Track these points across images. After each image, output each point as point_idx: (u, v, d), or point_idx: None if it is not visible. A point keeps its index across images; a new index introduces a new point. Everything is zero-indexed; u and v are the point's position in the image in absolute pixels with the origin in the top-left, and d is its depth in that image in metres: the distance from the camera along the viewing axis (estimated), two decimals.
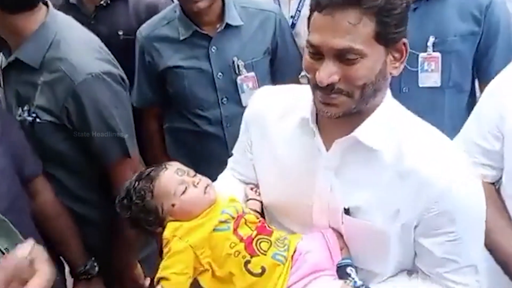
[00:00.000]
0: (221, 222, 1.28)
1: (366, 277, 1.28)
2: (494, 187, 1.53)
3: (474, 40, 2.10)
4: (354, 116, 1.19)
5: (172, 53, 2.06)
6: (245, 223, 1.29)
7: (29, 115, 1.76)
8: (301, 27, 2.45)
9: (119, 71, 1.86)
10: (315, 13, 1.13)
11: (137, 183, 1.34)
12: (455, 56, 2.13)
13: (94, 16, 2.28)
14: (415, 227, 1.21)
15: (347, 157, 1.23)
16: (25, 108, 1.76)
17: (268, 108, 1.39)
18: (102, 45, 1.88)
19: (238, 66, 2.08)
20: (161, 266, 1.27)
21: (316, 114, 1.26)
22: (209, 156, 2.13)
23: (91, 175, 1.90)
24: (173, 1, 2.37)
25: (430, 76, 2.19)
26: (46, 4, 1.76)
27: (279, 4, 2.42)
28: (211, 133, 2.14)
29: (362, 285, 1.23)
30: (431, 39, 2.08)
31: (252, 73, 2.11)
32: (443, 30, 2.09)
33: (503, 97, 1.45)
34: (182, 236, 1.26)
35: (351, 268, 1.25)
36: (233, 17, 2.06)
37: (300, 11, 2.44)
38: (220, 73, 2.08)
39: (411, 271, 1.30)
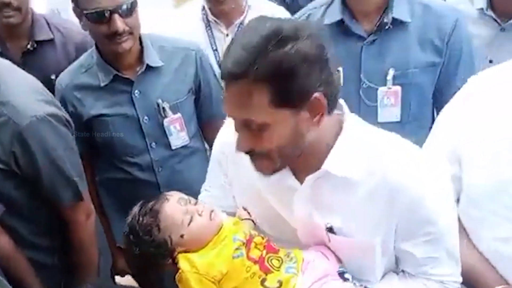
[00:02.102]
0: (236, 249, 1.29)
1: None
2: None
3: (435, 71, 1.98)
4: (312, 156, 1.21)
5: (94, 101, 2.00)
6: (255, 246, 1.31)
7: None
8: None
9: (63, 112, 1.83)
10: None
11: (141, 218, 1.32)
12: (416, 89, 2.02)
13: (22, 62, 2.25)
14: (394, 232, 1.25)
15: (320, 187, 1.25)
16: None
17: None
18: (43, 87, 1.85)
19: (163, 108, 2.00)
20: None
21: None
22: None
23: (44, 221, 1.89)
24: None
25: (390, 111, 2.07)
26: None
27: (214, 41, 2.31)
28: (143, 179, 2.08)
29: (361, 285, 1.31)
30: (391, 72, 1.97)
31: (179, 114, 2.03)
32: (403, 61, 1.98)
33: (459, 121, 1.42)
34: (203, 272, 1.26)
35: (348, 274, 1.31)
36: (152, 58, 1.99)
37: None
38: (146, 117, 2.01)
39: (396, 271, 1.35)
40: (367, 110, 2.03)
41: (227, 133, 1.37)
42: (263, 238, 1.34)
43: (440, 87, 2.02)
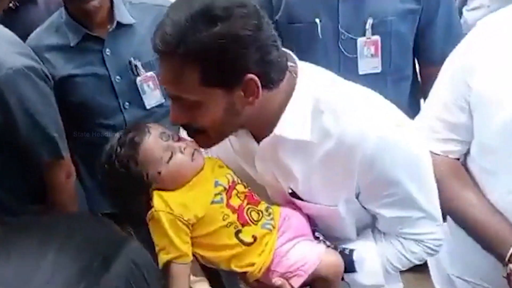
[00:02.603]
0: (216, 194, 1.23)
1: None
2: (458, 162, 1.46)
3: (414, 19, 1.96)
4: (261, 121, 1.18)
5: (65, 62, 1.94)
6: (237, 194, 1.26)
7: None
8: None
9: (41, 66, 1.78)
10: None
11: (119, 148, 1.24)
12: (395, 38, 1.99)
13: (3, 21, 2.13)
14: (358, 194, 1.22)
15: (278, 150, 1.21)
16: None
17: None
18: (21, 40, 1.80)
19: (135, 66, 1.95)
20: (158, 244, 1.22)
21: None
22: None
23: (27, 188, 1.84)
24: None
25: (370, 62, 2.03)
26: None
27: None
28: None
29: (333, 245, 1.28)
30: (369, 21, 1.95)
31: (151, 72, 1.97)
32: (381, 10, 1.94)
33: (468, 64, 1.35)
34: (177, 213, 1.20)
35: (319, 232, 1.30)
36: (123, 15, 1.93)
37: None
38: (118, 77, 1.96)
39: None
40: (347, 62, 2.01)
41: None
42: (245, 187, 1.29)
43: (420, 34, 1.99)
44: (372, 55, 2.01)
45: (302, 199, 1.26)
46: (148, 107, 2.00)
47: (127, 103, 1.99)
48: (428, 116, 1.47)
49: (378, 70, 2.01)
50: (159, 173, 1.21)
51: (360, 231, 1.34)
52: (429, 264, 1.67)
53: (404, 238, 1.28)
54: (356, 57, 2.00)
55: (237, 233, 1.22)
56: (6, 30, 1.78)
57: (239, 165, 1.32)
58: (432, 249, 1.30)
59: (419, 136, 1.24)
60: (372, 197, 1.23)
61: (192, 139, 1.23)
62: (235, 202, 1.24)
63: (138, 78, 1.96)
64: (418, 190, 1.21)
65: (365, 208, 1.28)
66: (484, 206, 1.36)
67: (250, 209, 1.25)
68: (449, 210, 1.43)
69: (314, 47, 1.98)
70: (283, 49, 1.17)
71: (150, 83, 1.97)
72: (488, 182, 1.38)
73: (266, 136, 1.19)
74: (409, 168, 1.19)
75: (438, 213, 1.27)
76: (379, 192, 1.21)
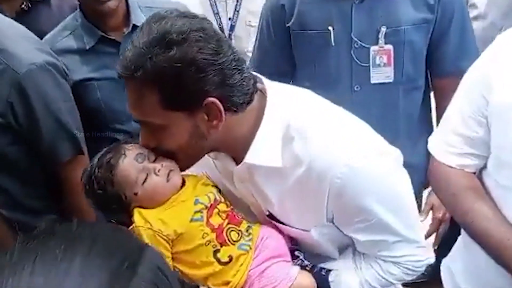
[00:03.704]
0: (196, 212, 1.26)
1: (315, 260, 1.33)
2: (474, 176, 1.47)
3: (427, 29, 1.96)
4: (232, 148, 1.20)
5: (80, 65, 1.94)
6: (218, 212, 1.28)
7: None
8: (241, 29, 2.34)
9: (61, 64, 1.77)
10: None
11: (96, 170, 1.29)
12: (408, 47, 1.99)
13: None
14: (332, 219, 1.22)
15: (252, 174, 1.22)
16: None
17: None
18: (38, 38, 1.79)
19: None
20: None
21: None
22: None
23: (42, 182, 1.81)
24: None
25: (382, 71, 2.03)
26: None
27: (216, 6, 2.27)
28: None
29: (311, 264, 1.31)
30: (383, 30, 1.94)
31: None
32: (394, 19, 1.94)
33: (487, 79, 1.35)
34: (156, 229, 1.24)
35: (299, 251, 1.32)
36: (139, 18, 1.92)
37: (238, 12, 2.30)
38: None
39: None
40: (359, 71, 2.01)
41: None
42: (227, 206, 1.31)
43: (432, 45, 1.99)
44: (384, 64, 2.01)
45: (279, 221, 1.28)
46: None
47: None
48: (446, 131, 1.48)
49: (391, 80, 2.02)
50: (136, 194, 1.25)
51: (342, 250, 1.35)
52: (443, 278, 1.66)
53: (382, 260, 1.28)
54: (369, 66, 2.00)
55: (215, 252, 1.25)
56: (23, 27, 1.77)
57: (223, 184, 1.33)
58: (413, 270, 1.30)
59: (396, 163, 1.22)
60: (344, 222, 1.23)
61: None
62: (216, 221, 1.26)
63: None
64: (393, 216, 1.21)
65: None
66: (498, 220, 1.36)
67: (230, 229, 1.28)
68: (463, 224, 1.44)
69: (326, 55, 1.99)
70: (252, 72, 1.19)
71: None
72: (503, 197, 1.38)
73: (243, 158, 1.20)
74: (381, 196, 1.18)
75: (417, 235, 1.28)
76: (351, 218, 1.21)
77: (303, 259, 1.32)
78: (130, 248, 0.64)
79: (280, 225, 1.28)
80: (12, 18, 2.11)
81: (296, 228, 1.26)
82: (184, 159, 1.21)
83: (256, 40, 2.15)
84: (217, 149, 1.22)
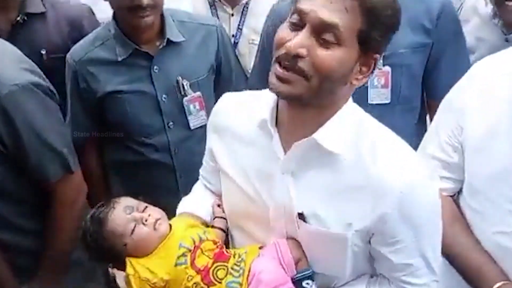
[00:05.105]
0: (179, 256, 1.28)
1: (324, 281, 1.28)
2: (452, 199, 1.51)
3: (424, 52, 2.05)
4: (313, 118, 1.17)
5: (111, 76, 1.87)
6: (202, 252, 1.29)
7: None
8: (244, 47, 2.35)
9: (47, 84, 1.69)
10: None
11: (89, 224, 1.36)
12: (406, 70, 2.07)
13: (11, 35, 2.03)
14: (372, 234, 1.20)
15: (306, 161, 1.20)
16: None
17: (231, 112, 1.36)
18: (25, 56, 1.71)
19: (183, 86, 1.93)
20: None
21: (276, 117, 1.23)
22: (157, 187, 1.96)
23: (32, 201, 1.74)
24: (93, 13, 2.21)
25: (380, 92, 2.12)
26: None
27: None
28: (158, 161, 1.98)
29: None
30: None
31: (199, 93, 1.96)
32: (393, 42, 1.96)
33: (461, 107, 1.42)
34: (144, 278, 1.28)
35: (308, 281, 1.25)
36: (173, 32, 1.91)
37: (241, 29, 2.33)
38: (164, 95, 1.92)
39: (372, 275, 1.31)
40: (358, 92, 2.08)
41: (226, 109, 1.38)
42: (215, 243, 1.33)
43: (429, 68, 2.09)
44: (382, 86, 2.09)
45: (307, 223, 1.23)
46: (192, 127, 1.98)
47: (171, 123, 1.95)
48: (425, 154, 1.50)
49: (388, 101, 2.10)
50: (125, 244, 1.31)
51: (352, 276, 1.30)
52: None
53: (397, 286, 1.26)
54: (366, 87, 2.07)
55: None
56: (11, 45, 1.73)
57: (245, 182, 1.29)
58: None
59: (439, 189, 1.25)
60: (389, 240, 1.20)
61: (283, 79, 1.11)
62: (201, 262, 1.28)
63: (185, 99, 1.94)
64: (429, 241, 1.23)
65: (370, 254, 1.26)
66: (470, 243, 1.41)
67: (217, 268, 1.28)
68: (447, 254, 1.44)
69: None
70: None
71: (197, 103, 1.96)
72: (476, 221, 1.42)
73: (291, 144, 1.19)
74: (428, 222, 1.21)
75: (438, 268, 1.28)
76: (398, 235, 1.19)
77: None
78: None
79: (306, 229, 1.22)
80: (7, 31, 2.07)
81: (331, 231, 1.20)
82: (313, 88, 1.10)
83: (256, 57, 2.18)
84: (307, 108, 1.16)
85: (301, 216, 1.22)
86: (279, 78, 1.11)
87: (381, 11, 1.09)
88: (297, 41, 1.08)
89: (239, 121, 1.32)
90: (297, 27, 1.10)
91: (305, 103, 1.13)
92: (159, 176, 2.00)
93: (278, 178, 1.23)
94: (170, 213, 1.42)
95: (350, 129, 1.19)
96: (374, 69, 1.15)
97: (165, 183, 1.98)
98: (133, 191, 1.94)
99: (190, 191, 1.99)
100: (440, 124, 1.50)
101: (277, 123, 1.23)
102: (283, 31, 1.12)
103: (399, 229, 1.18)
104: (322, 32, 1.07)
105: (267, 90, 1.21)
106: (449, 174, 1.48)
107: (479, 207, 1.40)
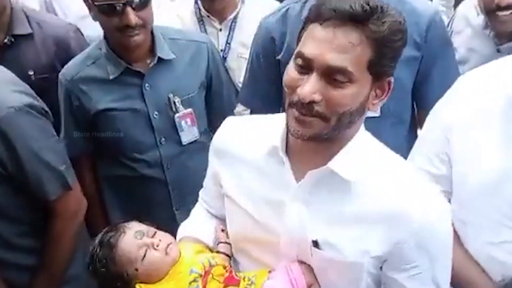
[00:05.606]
0: (191, 282, 1.27)
1: None
2: None
3: (414, 66, 2.06)
4: (326, 147, 1.17)
5: (103, 94, 1.90)
6: (213, 277, 1.29)
7: None
8: (233, 61, 2.37)
9: (40, 104, 1.73)
10: (314, 25, 1.09)
11: (98, 249, 1.34)
12: (396, 83, 2.04)
13: None
14: (384, 261, 1.20)
15: (319, 189, 1.20)
16: None
17: (236, 137, 1.35)
18: (17, 77, 1.74)
19: (174, 103, 1.95)
20: None
21: (286, 143, 1.23)
22: (150, 201, 2.01)
23: (29, 220, 1.76)
24: (82, 34, 2.25)
25: None
26: None
27: None
28: (151, 176, 2.01)
29: None
30: None
31: (190, 109, 1.99)
32: None
33: (447, 119, 1.43)
34: None
35: None
36: (164, 50, 1.93)
37: (230, 44, 2.36)
38: (156, 112, 1.95)
39: None
40: None
41: (233, 132, 1.37)
42: (224, 268, 1.33)
43: (418, 80, 2.10)
44: None
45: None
46: (184, 143, 2.00)
47: (163, 139, 1.98)
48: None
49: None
50: (136, 270, 1.31)
51: None
52: None
53: None
54: None
55: None
56: (2, 68, 1.75)
57: (254, 209, 1.28)
58: None
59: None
60: (402, 266, 1.20)
61: (302, 122, 1.11)
62: (212, 286, 1.28)
63: (177, 115, 1.96)
64: (443, 266, 1.23)
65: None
66: (460, 255, 1.40)
67: None
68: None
69: None
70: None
71: (188, 119, 1.99)
72: (465, 232, 1.42)
73: (309, 170, 1.18)
74: (445, 245, 1.22)
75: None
76: (412, 261, 1.19)
77: None
78: None
79: (321, 257, 1.21)
80: None
81: (347, 259, 1.19)
82: (332, 126, 1.11)
83: (246, 70, 2.20)
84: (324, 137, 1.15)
85: (315, 243, 1.21)
86: (299, 122, 1.11)
87: (390, 38, 1.09)
88: (309, 89, 1.07)
89: (245, 146, 1.31)
90: (304, 69, 1.09)
91: (324, 138, 1.14)
92: (152, 191, 2.03)
93: (289, 205, 1.22)
94: (163, 226, 1.42)
95: (364, 157, 1.19)
96: (389, 90, 1.15)
97: (158, 197, 2.02)
98: (126, 205, 2.03)
99: (182, 204, 2.04)
100: (427, 137, 1.52)
101: (287, 150, 1.23)
102: (292, 72, 1.11)
103: (415, 256, 1.18)
104: (331, 74, 1.07)
105: (273, 115, 1.25)
106: (437, 186, 1.46)
107: (467, 218, 1.41)
